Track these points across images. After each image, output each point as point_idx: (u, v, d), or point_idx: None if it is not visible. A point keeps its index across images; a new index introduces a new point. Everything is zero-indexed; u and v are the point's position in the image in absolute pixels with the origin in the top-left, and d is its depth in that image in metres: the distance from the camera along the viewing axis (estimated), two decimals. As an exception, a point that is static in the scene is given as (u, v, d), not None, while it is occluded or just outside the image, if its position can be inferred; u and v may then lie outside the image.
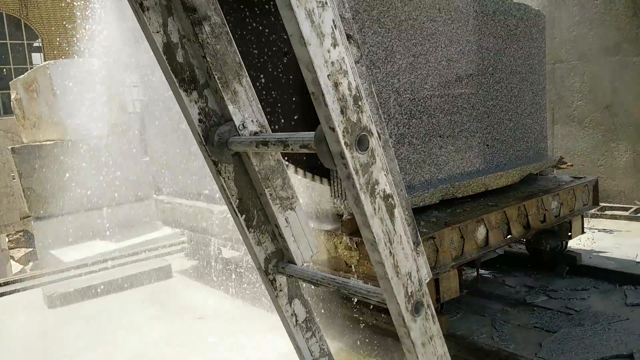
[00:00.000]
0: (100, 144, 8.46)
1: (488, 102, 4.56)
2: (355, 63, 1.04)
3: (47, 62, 8.81)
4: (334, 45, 0.87)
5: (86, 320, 4.97)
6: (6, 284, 5.56)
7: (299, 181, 3.65)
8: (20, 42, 22.99)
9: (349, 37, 1.09)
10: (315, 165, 3.64)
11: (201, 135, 1.21)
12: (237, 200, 1.23)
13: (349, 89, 0.88)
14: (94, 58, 8.56)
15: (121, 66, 8.47)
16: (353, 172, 0.86)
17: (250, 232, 1.27)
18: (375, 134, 0.87)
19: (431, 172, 4.13)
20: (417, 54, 3.92)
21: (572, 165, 6.09)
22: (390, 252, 0.95)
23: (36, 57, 23.42)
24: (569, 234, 4.88)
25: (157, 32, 1.14)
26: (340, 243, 3.69)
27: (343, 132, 0.85)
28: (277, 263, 1.31)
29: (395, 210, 0.91)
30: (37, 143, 8.96)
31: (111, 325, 4.77)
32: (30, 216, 8.54)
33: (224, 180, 1.21)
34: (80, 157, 8.24)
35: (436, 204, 4.08)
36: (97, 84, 8.50)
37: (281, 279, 1.32)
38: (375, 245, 0.92)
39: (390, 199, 0.90)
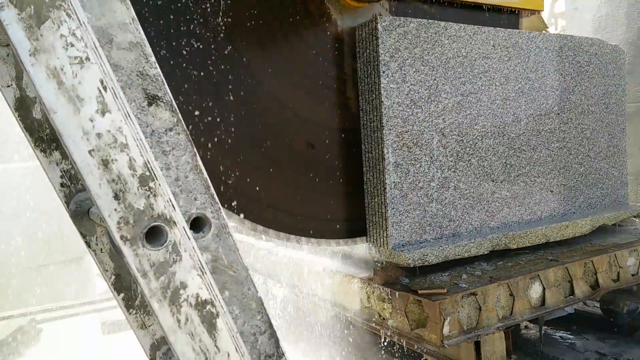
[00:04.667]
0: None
1: (553, 144, 4.14)
2: (167, 131, 0.84)
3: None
4: (102, 112, 0.67)
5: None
6: (65, 308, 5.84)
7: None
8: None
9: (155, 98, 0.87)
10: (355, 229, 3.58)
11: (64, 202, 1.07)
12: (114, 277, 1.08)
13: (131, 168, 0.68)
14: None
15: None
16: (138, 275, 0.67)
17: (130, 314, 1.10)
18: (182, 223, 0.67)
19: (481, 219, 3.78)
20: (466, 93, 3.65)
21: (659, 216, 5.35)
22: (205, 378, 0.73)
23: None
24: (651, 296, 4.25)
25: (9, 85, 1.03)
26: (373, 293, 3.45)
27: (119, 223, 0.67)
28: (167, 351, 1.14)
29: (218, 321, 0.70)
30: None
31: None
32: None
33: (95, 254, 1.07)
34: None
35: (486, 255, 3.72)
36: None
37: (172, 370, 1.15)
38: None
39: (208, 307, 0.70)
